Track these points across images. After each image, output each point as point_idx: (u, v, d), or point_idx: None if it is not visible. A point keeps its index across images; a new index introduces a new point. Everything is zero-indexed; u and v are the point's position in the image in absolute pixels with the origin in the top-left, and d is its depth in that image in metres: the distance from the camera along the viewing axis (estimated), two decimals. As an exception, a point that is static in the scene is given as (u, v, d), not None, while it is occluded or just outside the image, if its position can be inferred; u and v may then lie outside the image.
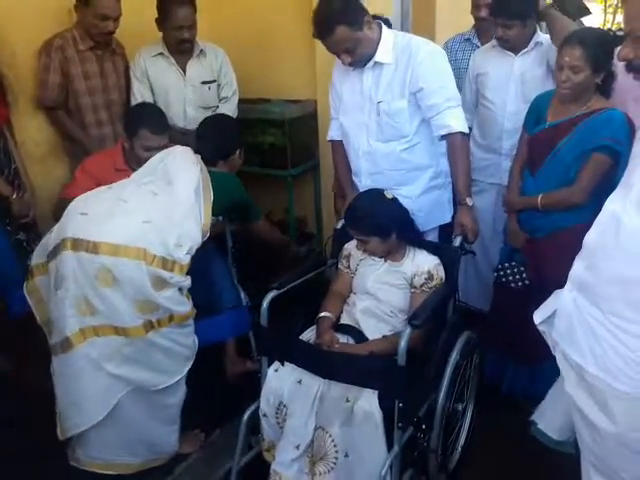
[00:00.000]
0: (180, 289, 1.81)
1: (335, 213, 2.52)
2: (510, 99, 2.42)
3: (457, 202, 2.04)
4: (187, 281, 1.81)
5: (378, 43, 1.96)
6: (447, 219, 2.21)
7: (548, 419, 1.68)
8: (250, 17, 3.08)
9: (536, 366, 2.19)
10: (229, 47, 2.83)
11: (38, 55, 2.46)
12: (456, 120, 1.98)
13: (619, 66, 1.82)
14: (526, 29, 2.33)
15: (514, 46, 2.38)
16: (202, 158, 2.08)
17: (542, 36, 2.39)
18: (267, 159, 3.01)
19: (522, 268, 2.16)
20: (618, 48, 1.78)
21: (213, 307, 2.31)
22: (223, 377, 2.35)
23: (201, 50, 2.71)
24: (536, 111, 2.09)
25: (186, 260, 1.79)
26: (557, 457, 1.70)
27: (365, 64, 2.01)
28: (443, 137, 2.01)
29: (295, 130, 2.93)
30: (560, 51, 1.92)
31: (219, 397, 2.30)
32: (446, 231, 2.20)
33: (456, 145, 1.99)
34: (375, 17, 2.00)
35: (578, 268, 1.29)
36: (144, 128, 2.18)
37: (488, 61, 2.50)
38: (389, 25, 2.05)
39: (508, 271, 2.19)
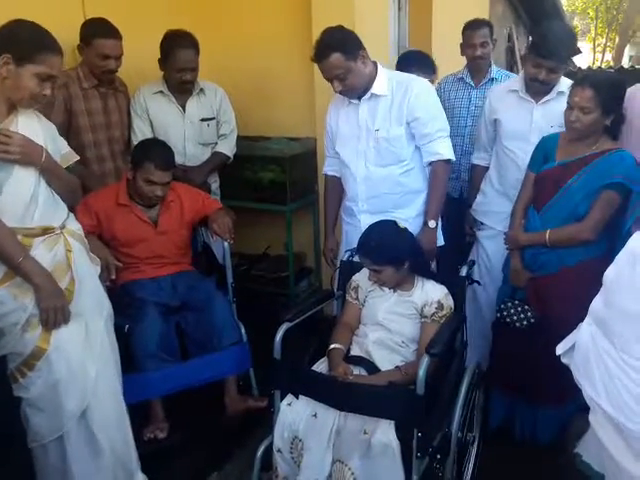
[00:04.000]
0: None
1: (323, 254, 2.45)
2: (532, 150, 2.21)
3: (423, 222, 2.20)
4: None
5: (374, 78, 2.13)
6: (440, 242, 2.29)
7: (593, 452, 1.56)
8: (250, 57, 3.15)
9: (540, 409, 2.15)
10: (229, 87, 2.88)
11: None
12: (445, 148, 2.16)
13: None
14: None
15: (548, 90, 2.24)
16: None
17: (565, 84, 2.20)
18: (266, 195, 3.04)
19: (527, 307, 2.09)
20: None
21: (213, 344, 2.28)
22: (222, 417, 2.27)
23: (201, 89, 2.76)
24: (543, 151, 2.10)
25: None
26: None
27: (360, 96, 2.16)
28: (430, 163, 2.18)
29: (295, 167, 2.97)
30: (571, 91, 1.94)
31: (217, 438, 2.22)
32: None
33: (440, 171, 2.18)
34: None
35: (598, 303, 1.31)
36: (149, 161, 2.22)
37: (505, 107, 2.35)
38: None
39: (512, 310, 2.12)
